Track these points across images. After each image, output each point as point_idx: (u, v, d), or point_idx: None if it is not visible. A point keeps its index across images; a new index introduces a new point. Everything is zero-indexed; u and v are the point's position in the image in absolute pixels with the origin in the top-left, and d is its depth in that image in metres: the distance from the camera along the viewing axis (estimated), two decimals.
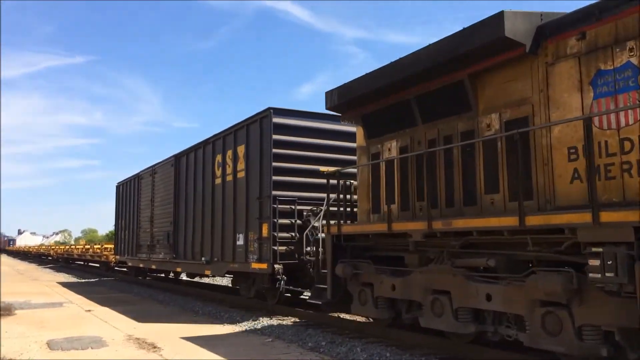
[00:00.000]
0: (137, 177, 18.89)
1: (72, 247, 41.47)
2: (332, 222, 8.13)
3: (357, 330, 8.16)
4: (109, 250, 26.32)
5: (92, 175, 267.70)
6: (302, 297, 11.47)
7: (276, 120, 10.27)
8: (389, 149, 7.84)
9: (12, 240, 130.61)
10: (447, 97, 6.78)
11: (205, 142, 13.19)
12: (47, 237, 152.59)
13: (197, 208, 13.40)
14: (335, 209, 8.15)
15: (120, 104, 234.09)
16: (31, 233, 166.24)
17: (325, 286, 8.33)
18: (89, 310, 11.61)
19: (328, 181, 8.37)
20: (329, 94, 8.43)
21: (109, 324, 9.52)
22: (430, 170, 6.84)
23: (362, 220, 8.27)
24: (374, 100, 7.87)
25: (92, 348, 7.26)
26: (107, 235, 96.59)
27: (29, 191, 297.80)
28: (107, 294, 15.84)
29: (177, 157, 15.02)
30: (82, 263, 37.57)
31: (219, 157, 12.36)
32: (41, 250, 57.51)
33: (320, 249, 8.68)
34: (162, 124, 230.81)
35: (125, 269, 25.01)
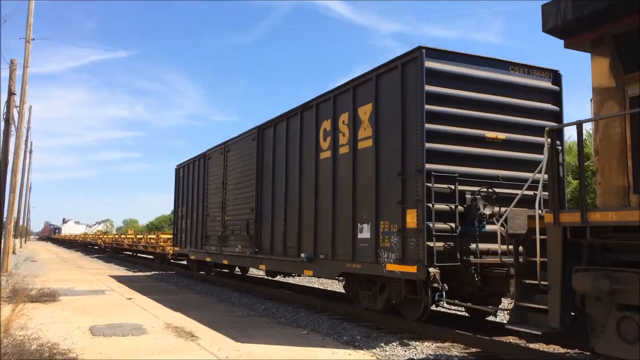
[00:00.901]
0: (204, 157, 16.13)
1: (121, 236, 37.17)
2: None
3: (392, 325, 7.88)
4: (165, 240, 23.28)
5: (133, 167, 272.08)
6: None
7: (430, 64, 7.29)
8: None
9: (57, 229, 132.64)
10: None
11: (304, 107, 10.37)
12: (90, 227, 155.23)
13: (291, 191, 10.62)
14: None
15: (161, 97, 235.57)
16: (75, 222, 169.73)
17: (537, 305, 5.38)
18: (130, 298, 11.63)
19: (553, 140, 5.29)
20: (553, 6, 5.38)
21: (149, 312, 9.55)
22: None
23: (610, 203, 5.22)
24: None
25: (132, 335, 7.29)
26: (147, 225, 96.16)
27: (73, 182, 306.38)
28: (147, 283, 15.91)
29: (261, 129, 12.28)
30: (130, 254, 35.07)
31: (326, 124, 9.51)
32: (87, 239, 55.32)
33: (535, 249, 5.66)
34: (202, 117, 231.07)
35: (183, 262, 22.25)
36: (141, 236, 30.48)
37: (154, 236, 26.84)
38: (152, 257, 28.81)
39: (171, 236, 23.52)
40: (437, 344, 6.77)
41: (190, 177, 17.52)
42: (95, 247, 46.91)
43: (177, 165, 19.41)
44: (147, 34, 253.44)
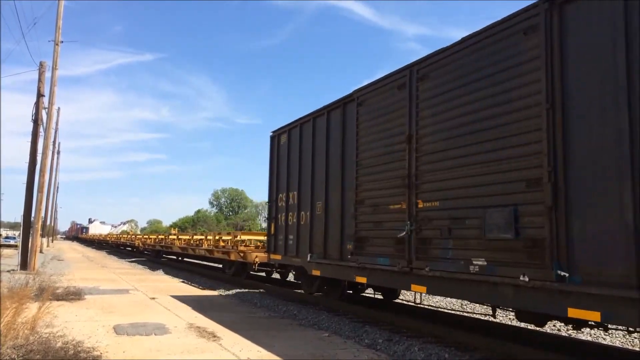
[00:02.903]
0: (343, 105, 9.43)
1: (169, 236, 28.39)
2: None
3: (414, 329, 7.91)
4: (244, 243, 16.66)
5: (158, 169, 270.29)
6: None
7: None
8: None
9: (85, 228, 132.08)
10: None
11: None
12: (115, 227, 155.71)
13: None
14: None
15: (186, 100, 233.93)
16: (100, 222, 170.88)
17: None
18: (153, 298, 11.55)
19: None
20: None
21: (172, 312, 9.50)
22: None
23: None
24: None
25: (155, 334, 7.32)
26: (171, 226, 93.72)
27: (99, 183, 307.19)
28: (170, 283, 15.75)
29: (557, 4, 5.56)
30: (175, 258, 29.09)
31: None
32: (121, 240, 47.18)
33: None
34: (226, 119, 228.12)
35: (261, 274, 16.80)
36: (201, 237, 22.43)
37: (228, 237, 18.94)
38: (209, 263, 24.19)
39: (253, 237, 17.90)
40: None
41: (308, 143, 10.66)
42: (127, 248, 42.17)
43: (274, 132, 12.51)
44: (172, 38, 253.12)
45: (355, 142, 8.90)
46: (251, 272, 16.17)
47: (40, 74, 20.83)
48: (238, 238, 16.94)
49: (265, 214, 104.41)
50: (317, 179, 10.32)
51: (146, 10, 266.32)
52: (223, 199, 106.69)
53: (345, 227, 9.09)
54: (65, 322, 7.94)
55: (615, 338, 8.22)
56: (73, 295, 11.00)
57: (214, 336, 7.33)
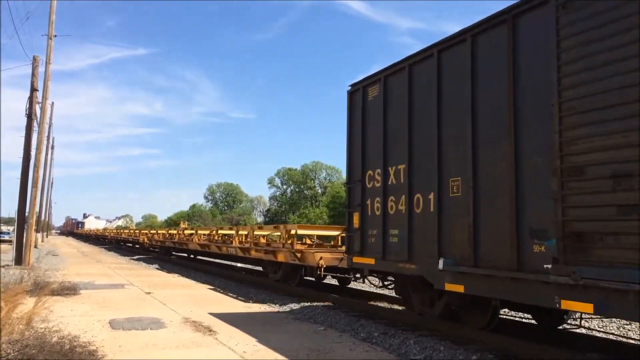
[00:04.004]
0: (512, 17, 5.87)
1: (183, 231, 23.81)
2: None
3: (410, 323, 7.93)
4: (296, 238, 12.64)
5: (152, 164, 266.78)
6: None
7: None
8: None
9: (80, 223, 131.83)
10: None
11: None
12: (110, 222, 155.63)
13: None
14: None
15: (180, 94, 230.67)
16: (95, 217, 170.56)
17: None
18: (149, 293, 11.58)
19: None
20: None
21: (167, 307, 9.52)
22: None
23: None
24: None
25: (151, 329, 7.32)
26: (166, 221, 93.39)
27: (93, 178, 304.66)
28: (165, 278, 15.70)
29: None
30: (186, 256, 25.97)
31: None
32: (122, 235, 42.00)
33: None
34: (220, 114, 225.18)
35: (309, 278, 12.07)
36: (231, 232, 18.11)
37: (266, 232, 15.19)
38: (233, 263, 22.50)
39: (316, 232, 14.43)
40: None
41: (428, 90, 7.19)
42: (127, 244, 40.32)
43: (355, 85, 9.11)
44: (166, 32, 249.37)
45: (554, 73, 5.32)
46: (304, 278, 12.55)
47: (34, 68, 20.72)
48: (293, 232, 12.77)
49: (260, 208, 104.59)
50: (447, 143, 6.90)
51: (138, 5, 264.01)
52: (218, 194, 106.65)
53: (527, 214, 5.62)
54: (61, 317, 7.91)
55: (609, 330, 8.29)
56: (68, 290, 11.02)
57: (210, 330, 7.31)
